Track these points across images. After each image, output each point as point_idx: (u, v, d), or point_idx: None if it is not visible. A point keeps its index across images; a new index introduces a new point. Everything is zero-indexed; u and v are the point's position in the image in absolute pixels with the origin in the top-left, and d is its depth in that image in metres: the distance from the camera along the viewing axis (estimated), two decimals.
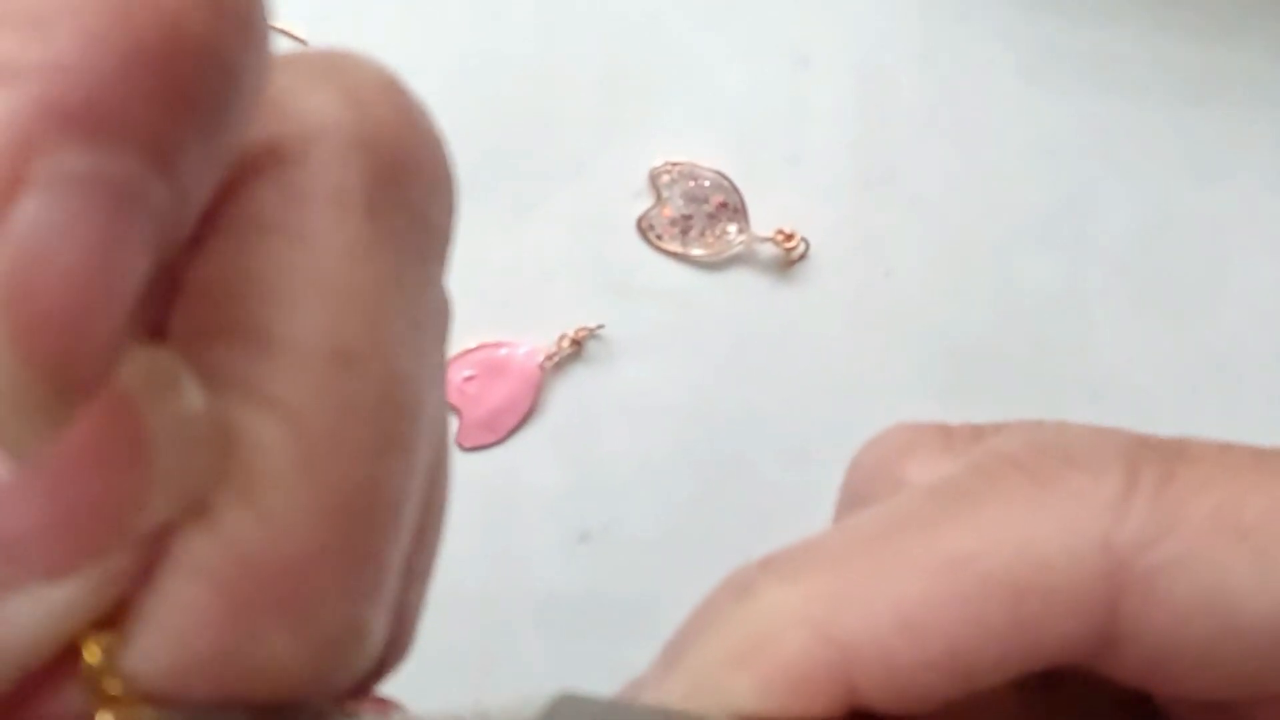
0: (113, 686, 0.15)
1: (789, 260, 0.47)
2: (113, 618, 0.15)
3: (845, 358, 0.47)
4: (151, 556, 0.15)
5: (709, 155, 0.48)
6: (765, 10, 0.49)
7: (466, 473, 0.46)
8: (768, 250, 0.48)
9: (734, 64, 0.48)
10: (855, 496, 0.21)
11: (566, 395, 0.47)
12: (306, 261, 0.15)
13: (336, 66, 0.17)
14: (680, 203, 0.47)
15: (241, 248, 0.15)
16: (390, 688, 0.18)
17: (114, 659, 0.15)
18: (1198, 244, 0.49)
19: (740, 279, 0.48)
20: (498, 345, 0.46)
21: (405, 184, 0.16)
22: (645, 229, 0.47)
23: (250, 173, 0.16)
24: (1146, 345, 0.48)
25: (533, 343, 0.47)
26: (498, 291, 0.47)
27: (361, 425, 0.15)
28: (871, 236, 0.48)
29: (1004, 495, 0.17)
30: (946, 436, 0.20)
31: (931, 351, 0.47)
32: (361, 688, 0.17)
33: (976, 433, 0.20)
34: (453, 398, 0.46)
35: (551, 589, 0.46)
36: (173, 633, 0.15)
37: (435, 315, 0.17)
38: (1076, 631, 0.17)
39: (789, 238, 0.47)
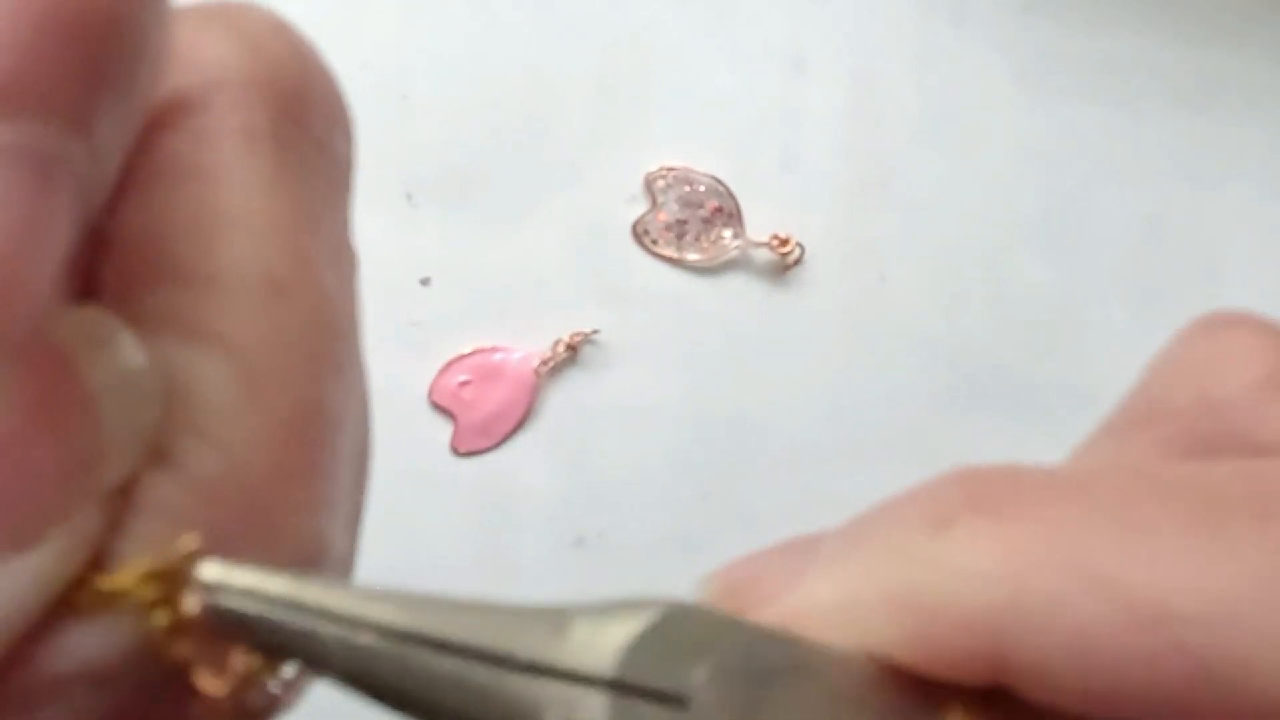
0: (171, 561, 0.15)
1: (784, 265, 0.47)
2: (90, 567, 0.15)
3: (840, 362, 0.47)
4: (120, 510, 0.15)
5: (704, 160, 0.48)
6: (760, 15, 0.49)
7: (462, 478, 0.46)
8: (763, 255, 0.48)
9: (729, 69, 0.48)
10: (1149, 395, 0.19)
11: (562, 400, 0.47)
12: (226, 199, 0.16)
13: (228, 14, 0.17)
14: (675, 208, 0.47)
15: (162, 195, 0.16)
16: None
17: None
18: (1192, 249, 0.49)
19: (735, 284, 0.48)
20: (493, 350, 0.46)
21: (307, 118, 0.17)
22: (640, 234, 0.47)
23: (161, 124, 0.16)
24: (1142, 350, 0.48)
25: (528, 348, 0.46)
26: (493, 296, 0.47)
27: (298, 348, 0.16)
28: (866, 241, 0.48)
29: (1228, 539, 0.15)
30: None
31: (926, 356, 0.47)
32: None
33: None
34: (448, 403, 0.46)
35: (546, 594, 0.45)
36: None
37: (348, 245, 0.18)
38: (1256, 713, 0.15)
39: (784, 243, 0.47)
